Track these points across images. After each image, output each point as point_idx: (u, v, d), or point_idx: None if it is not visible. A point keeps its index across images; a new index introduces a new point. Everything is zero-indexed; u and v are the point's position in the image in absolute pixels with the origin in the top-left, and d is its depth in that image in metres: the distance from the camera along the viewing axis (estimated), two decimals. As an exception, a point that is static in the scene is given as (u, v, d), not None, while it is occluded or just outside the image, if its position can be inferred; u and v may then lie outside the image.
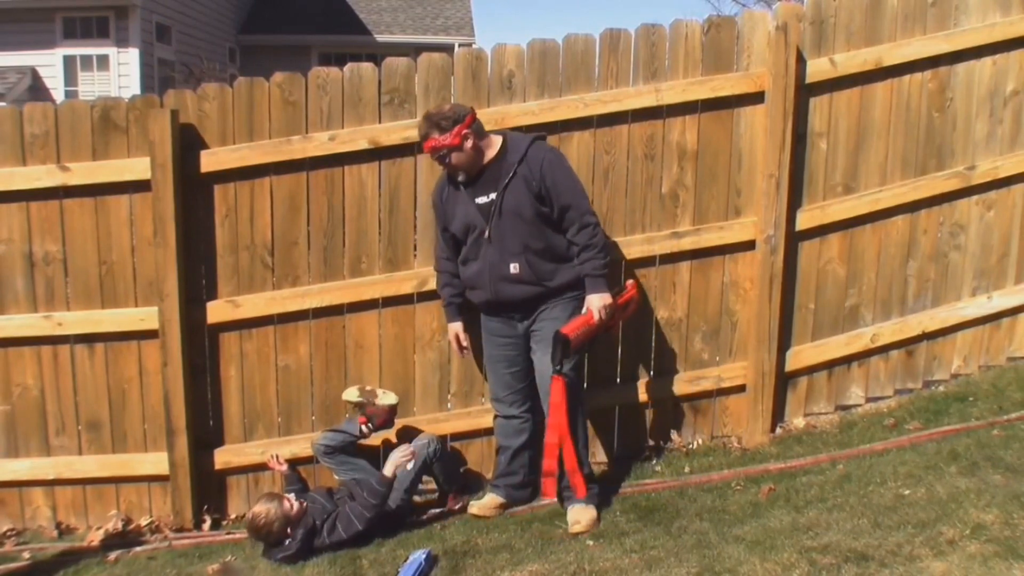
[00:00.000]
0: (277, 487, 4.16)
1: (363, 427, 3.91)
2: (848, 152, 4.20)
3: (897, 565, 2.66)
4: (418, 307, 4.11)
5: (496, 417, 3.89)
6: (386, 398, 3.95)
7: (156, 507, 4.20)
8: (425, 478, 3.98)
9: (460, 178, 3.61)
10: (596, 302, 3.58)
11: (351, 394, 3.96)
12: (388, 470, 3.74)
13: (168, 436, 4.04)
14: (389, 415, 3.94)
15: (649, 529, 3.43)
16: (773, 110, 4.00)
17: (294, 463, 4.06)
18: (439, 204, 3.76)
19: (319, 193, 4.04)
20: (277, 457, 4.00)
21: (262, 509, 3.64)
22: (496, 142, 3.64)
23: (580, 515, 3.56)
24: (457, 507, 3.97)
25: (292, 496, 3.72)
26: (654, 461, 4.17)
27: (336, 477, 3.96)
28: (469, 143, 3.54)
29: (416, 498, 3.97)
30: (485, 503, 3.88)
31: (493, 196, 3.57)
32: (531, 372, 3.76)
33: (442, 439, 4.02)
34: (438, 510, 3.97)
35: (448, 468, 4.03)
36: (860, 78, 4.14)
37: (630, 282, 3.96)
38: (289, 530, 3.62)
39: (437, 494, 4.08)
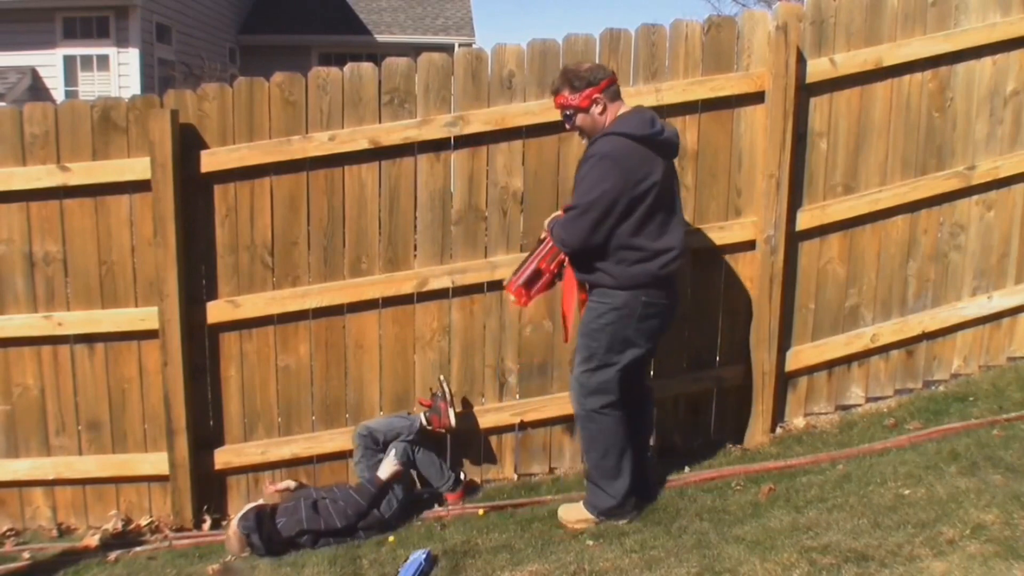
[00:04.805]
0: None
1: (424, 415, 3.91)
2: (848, 152, 4.20)
3: (897, 565, 2.66)
4: (418, 307, 4.11)
5: None
6: (452, 414, 3.92)
7: (156, 507, 4.20)
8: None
9: (584, 141, 3.47)
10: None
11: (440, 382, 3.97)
12: (384, 472, 3.74)
13: (168, 436, 4.04)
14: (443, 423, 3.91)
15: (649, 529, 3.43)
16: (773, 110, 4.00)
17: (294, 463, 4.05)
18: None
19: (319, 193, 4.04)
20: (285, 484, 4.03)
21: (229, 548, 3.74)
22: (616, 115, 3.39)
23: (575, 511, 3.57)
24: (454, 505, 3.97)
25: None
26: (654, 461, 4.16)
27: (356, 471, 3.96)
28: (598, 108, 3.34)
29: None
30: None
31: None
32: None
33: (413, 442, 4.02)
34: (438, 510, 3.97)
35: (432, 467, 4.04)
36: (860, 78, 4.14)
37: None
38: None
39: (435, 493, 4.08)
